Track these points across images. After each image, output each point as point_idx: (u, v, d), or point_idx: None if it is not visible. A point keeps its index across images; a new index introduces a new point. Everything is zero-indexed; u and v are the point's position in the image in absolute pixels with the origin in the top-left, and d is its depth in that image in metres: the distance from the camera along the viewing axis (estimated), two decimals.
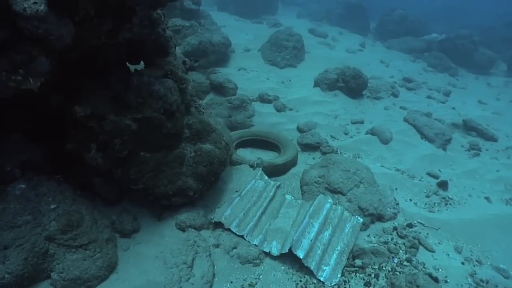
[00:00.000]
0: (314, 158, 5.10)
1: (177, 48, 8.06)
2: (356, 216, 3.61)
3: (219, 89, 6.97)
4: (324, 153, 5.21)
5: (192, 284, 2.63)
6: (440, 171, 5.06)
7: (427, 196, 4.41)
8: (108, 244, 2.79)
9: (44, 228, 2.54)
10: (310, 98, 7.20)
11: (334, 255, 3.14)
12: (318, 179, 4.12)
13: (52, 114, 2.88)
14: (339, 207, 3.64)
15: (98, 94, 2.82)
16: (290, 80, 8.29)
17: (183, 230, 3.04)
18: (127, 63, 3.44)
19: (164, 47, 3.85)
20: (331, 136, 5.80)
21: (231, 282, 2.81)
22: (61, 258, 2.56)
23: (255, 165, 4.20)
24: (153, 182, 2.99)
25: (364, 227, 3.64)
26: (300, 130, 5.88)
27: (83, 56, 2.70)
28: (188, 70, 4.54)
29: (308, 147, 5.33)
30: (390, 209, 3.92)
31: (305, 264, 2.94)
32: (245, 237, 3.15)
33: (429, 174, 4.93)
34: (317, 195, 3.85)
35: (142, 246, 2.93)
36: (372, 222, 3.75)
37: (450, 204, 4.27)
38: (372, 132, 5.78)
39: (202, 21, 9.34)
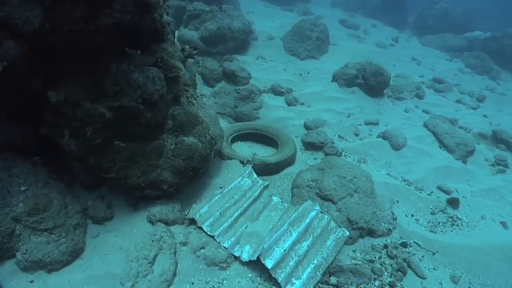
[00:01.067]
0: (315, 159, 4.77)
1: (195, 32, 7.92)
2: (343, 229, 3.29)
3: (231, 77, 6.74)
4: (327, 154, 4.86)
5: (149, 281, 2.51)
6: (454, 187, 4.52)
7: (433, 213, 3.95)
8: (76, 230, 2.75)
9: (12, 209, 2.52)
10: (324, 93, 6.74)
11: (309, 268, 2.88)
12: (311, 182, 3.82)
13: (34, 98, 2.83)
14: (326, 217, 3.33)
15: (75, 80, 2.70)
16: (308, 73, 7.83)
17: (152, 224, 2.92)
18: (125, 48, 3.31)
19: (160, 33, 3.67)
20: (339, 136, 5.39)
21: (192, 284, 2.66)
22: (26, 239, 2.55)
23: (245, 162, 3.97)
24: (125, 172, 2.88)
25: (351, 241, 3.31)
26: (307, 127, 5.53)
27: (64, 40, 2.59)
28: (187, 58, 4.35)
29: (311, 146, 4.99)
30: (385, 224, 3.54)
31: (273, 275, 2.72)
32: (216, 237, 2.97)
33: (440, 188, 4.41)
34: (306, 200, 3.58)
35: (111, 235, 2.86)
36: (361, 237, 3.40)
37: (457, 225, 3.79)
38: (383, 135, 5.29)
39: (225, 6, 9.02)
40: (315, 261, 2.93)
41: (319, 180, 3.79)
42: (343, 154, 4.89)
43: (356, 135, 5.53)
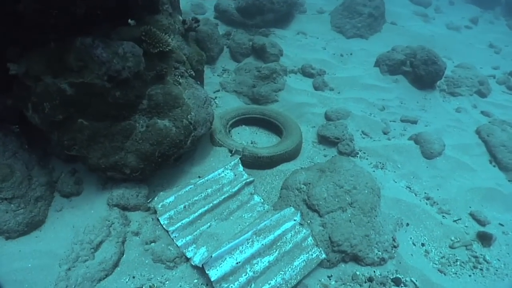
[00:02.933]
0: (325, 156, 4.08)
1: (232, 2, 7.31)
2: (320, 249, 2.72)
3: (260, 53, 6.12)
4: (340, 153, 4.13)
5: (87, 267, 2.36)
6: (494, 217, 3.46)
7: (452, 247, 3.07)
8: (38, 202, 2.70)
9: None
10: (361, 79, 5.73)
11: None
12: (302, 186, 3.23)
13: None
14: (304, 231, 2.78)
15: (40, 52, 2.50)
16: (351, 54, 6.75)
17: (110, 207, 2.74)
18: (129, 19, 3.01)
19: (153, 2, 3.29)
20: (362, 132, 4.54)
21: (133, 277, 2.45)
22: None
23: (233, 152, 3.53)
24: (86, 151, 2.69)
25: (329, 264, 2.74)
26: (327, 117, 4.77)
27: (41, 10, 2.37)
28: (188, 31, 3.90)
29: (325, 140, 4.29)
30: (379, 251, 2.84)
31: None
32: (170, 233, 2.67)
33: (472, 215, 3.41)
34: (289, 206, 3.05)
35: (71, 212, 2.76)
36: (344, 261, 2.78)
37: (481, 269, 2.88)
38: (416, 138, 4.27)
39: None
40: (273, 282, 2.47)
41: (312, 184, 3.18)
42: (358, 155, 4.10)
43: (385, 133, 4.60)
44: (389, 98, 5.33)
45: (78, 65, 2.52)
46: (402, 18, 8.62)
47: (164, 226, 2.70)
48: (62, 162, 3.04)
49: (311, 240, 2.74)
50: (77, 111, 2.62)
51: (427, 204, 3.45)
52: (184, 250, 2.62)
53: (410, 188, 3.64)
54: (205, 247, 2.65)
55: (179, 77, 3.28)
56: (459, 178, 3.82)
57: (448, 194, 3.61)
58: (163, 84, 3.12)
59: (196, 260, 2.56)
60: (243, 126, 4.42)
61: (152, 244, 2.60)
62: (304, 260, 2.61)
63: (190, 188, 3.04)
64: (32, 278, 2.29)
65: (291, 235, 2.73)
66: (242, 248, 2.55)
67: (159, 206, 2.84)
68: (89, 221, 2.60)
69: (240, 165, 3.39)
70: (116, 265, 2.47)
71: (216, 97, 5.16)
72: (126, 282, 2.42)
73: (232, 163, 3.35)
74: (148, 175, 2.94)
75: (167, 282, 2.46)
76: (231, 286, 2.38)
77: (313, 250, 2.68)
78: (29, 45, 2.54)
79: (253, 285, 2.44)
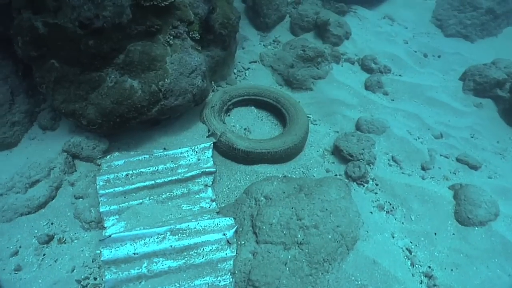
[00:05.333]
0: (327, 172, 3.27)
1: None
2: (233, 280, 2.20)
3: (321, 30, 5.20)
4: (346, 175, 3.24)
5: (16, 199, 2.43)
6: None
7: None
8: (14, 126, 2.87)
9: None
10: (430, 91, 4.32)
11: None
12: (262, 198, 2.64)
13: None
14: (228, 251, 2.27)
15: None
16: (438, 56, 5.13)
17: (61, 151, 2.73)
18: None
19: None
20: (392, 157, 3.46)
21: (51, 224, 2.44)
22: None
23: (210, 133, 3.08)
24: (52, 92, 2.65)
25: None
26: (357, 125, 3.79)
27: None
28: None
29: (338, 153, 3.44)
30: None
31: (104, 270, 2.15)
32: (99, 196, 2.53)
33: None
34: (235, 216, 2.55)
35: (37, 144, 2.86)
36: None
37: None
38: (458, 190, 3.01)
39: None
40: None
41: (272, 201, 2.57)
42: (367, 186, 3.15)
43: (424, 168, 3.40)
44: (457, 125, 3.89)
45: (53, 5, 2.39)
46: None
47: (97, 188, 2.58)
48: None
49: (230, 264, 2.25)
50: (49, 52, 2.55)
51: (419, 284, 2.46)
52: (104, 218, 2.47)
53: (409, 253, 2.63)
54: (125, 222, 2.45)
55: (172, 37, 2.89)
56: (493, 268, 2.58)
57: (464, 284, 2.49)
58: (151, 42, 2.80)
59: (109, 232, 2.39)
60: (252, 107, 3.86)
61: (80, 199, 2.53)
62: (208, 283, 2.17)
63: (144, 158, 2.81)
64: None
65: (210, 250, 2.28)
66: (148, 241, 2.26)
67: (105, 165, 2.72)
68: (39, 158, 2.66)
69: (210, 150, 2.96)
70: (42, 206, 2.51)
71: (248, 68, 4.63)
72: (43, 225, 2.44)
73: (202, 145, 2.95)
74: (106, 131, 2.81)
75: (76, 241, 2.40)
76: (119, 274, 2.16)
77: (224, 277, 2.20)
78: None
79: (143, 283, 2.16)
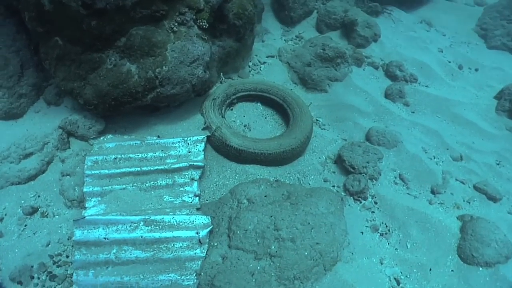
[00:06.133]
0: (324, 181, 3.06)
1: None
2: (196, 282, 2.10)
3: (348, 29, 4.89)
4: (345, 188, 3.00)
5: (9, 168, 2.49)
6: None
7: None
8: (22, 98, 2.95)
9: None
10: (458, 107, 3.87)
11: (117, 278, 2.10)
12: (245, 201, 2.51)
13: None
14: (199, 251, 2.18)
15: None
16: (476, 70, 4.59)
17: (58, 127, 2.76)
18: None
19: None
20: (400, 175, 3.14)
21: (38, 196, 2.49)
22: None
23: (205, 126, 2.98)
24: (53, 69, 2.67)
25: None
26: (367, 136, 3.50)
27: None
28: None
29: (340, 162, 3.20)
30: None
31: (74, 249, 2.16)
32: (85, 176, 2.53)
33: None
34: (214, 215, 2.45)
35: (39, 117, 2.93)
36: None
37: None
38: (468, 223, 2.65)
39: None
40: (127, 279, 2.09)
41: (254, 205, 2.43)
42: (364, 203, 2.89)
43: (433, 192, 3.06)
44: (482, 148, 3.45)
45: None
46: None
47: (85, 168, 2.59)
48: None
49: (197, 265, 2.16)
50: (54, 29, 2.57)
51: None
52: (87, 198, 2.47)
53: (397, 283, 2.37)
54: (105, 205, 2.44)
55: (177, 24, 2.80)
56: None
57: None
58: (155, 27, 2.73)
59: (89, 212, 2.39)
60: (258, 104, 3.70)
61: (67, 177, 2.56)
62: (171, 280, 2.10)
63: (136, 143, 2.78)
64: None
65: (180, 246, 2.21)
66: (121, 228, 2.23)
67: (97, 147, 2.72)
68: (37, 131, 2.73)
69: (203, 143, 2.87)
70: (32, 178, 2.57)
71: (264, 63, 4.45)
72: (31, 197, 2.51)
73: (195, 138, 2.86)
74: (102, 113, 2.80)
75: (57, 216, 2.44)
76: (88, 257, 2.16)
77: (188, 277, 2.11)
78: None
79: (109, 269, 2.14)
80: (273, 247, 2.16)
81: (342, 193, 2.96)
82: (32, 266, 2.14)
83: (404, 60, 4.55)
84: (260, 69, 4.37)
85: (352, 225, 2.62)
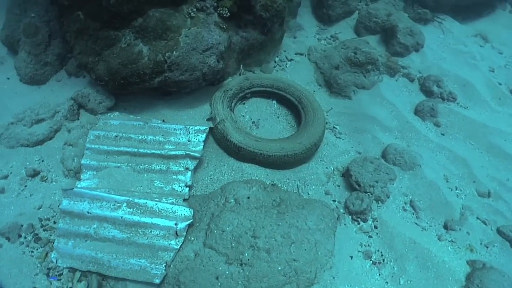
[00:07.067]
0: (325, 194, 2.84)
1: None
2: (164, 273, 2.05)
3: (388, 35, 4.50)
4: (345, 206, 2.76)
5: (21, 130, 2.65)
6: None
7: None
8: (46, 66, 3.09)
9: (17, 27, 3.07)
10: (497, 137, 3.39)
11: (93, 253, 2.13)
12: (232, 200, 2.40)
13: None
14: (173, 242, 2.14)
15: None
16: None
17: (70, 98, 2.85)
18: None
19: None
20: (411, 203, 2.81)
21: (42, 161, 2.62)
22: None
23: (210, 117, 2.89)
24: (73, 42, 2.74)
25: None
26: (384, 153, 3.19)
27: None
28: None
29: (347, 176, 2.95)
30: None
31: (60, 218, 2.22)
32: (86, 149, 2.58)
33: None
34: (198, 210, 2.37)
35: (58, 86, 3.06)
36: None
37: None
38: (477, 272, 2.27)
39: None
40: (100, 255, 2.10)
41: (239, 207, 2.31)
42: (362, 225, 2.63)
43: (446, 227, 2.69)
44: None
45: None
46: None
47: (87, 141, 2.64)
48: None
49: (169, 256, 2.11)
50: (77, 3, 2.62)
51: None
52: (83, 170, 2.54)
53: None
54: (98, 180, 2.49)
55: (196, 10, 2.71)
56: None
57: None
58: (174, 10, 2.67)
59: (82, 185, 2.45)
60: (274, 102, 3.52)
61: (69, 147, 2.64)
62: (141, 266, 2.08)
63: (139, 124, 2.79)
64: None
65: (157, 234, 2.17)
66: (105, 205, 2.25)
67: (102, 122, 2.77)
68: (50, 99, 2.84)
69: (204, 134, 2.79)
70: (39, 143, 2.70)
71: (291, 60, 4.24)
72: (35, 160, 2.63)
73: (197, 127, 2.80)
74: (112, 90, 2.83)
75: (54, 183, 2.54)
76: (71, 227, 2.21)
77: (158, 266, 2.07)
78: None
79: (87, 242, 2.18)
80: (246, 254, 2.03)
81: (341, 210, 2.73)
82: (22, 225, 2.25)
83: (445, 76, 4.06)
84: (286, 66, 4.16)
85: (342, 246, 2.40)
